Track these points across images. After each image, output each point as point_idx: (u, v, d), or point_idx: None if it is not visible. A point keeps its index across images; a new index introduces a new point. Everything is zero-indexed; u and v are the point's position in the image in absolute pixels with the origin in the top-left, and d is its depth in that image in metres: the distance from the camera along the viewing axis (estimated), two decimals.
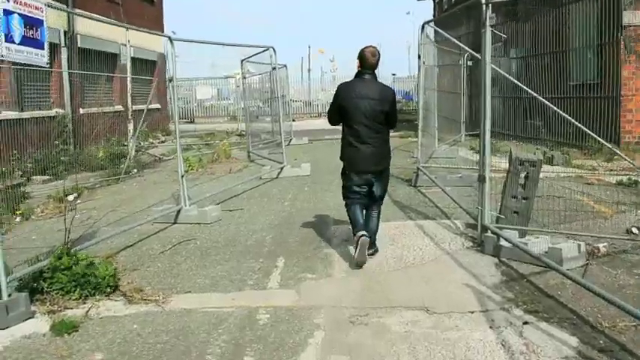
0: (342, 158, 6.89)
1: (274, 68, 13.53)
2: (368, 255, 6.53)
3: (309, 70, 63.57)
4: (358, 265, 6.45)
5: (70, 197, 11.72)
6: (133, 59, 21.67)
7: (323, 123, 34.29)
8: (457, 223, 8.26)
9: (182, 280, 6.33)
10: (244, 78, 17.23)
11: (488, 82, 6.86)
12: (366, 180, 6.69)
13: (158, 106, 25.34)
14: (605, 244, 6.63)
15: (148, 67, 24.61)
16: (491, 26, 6.72)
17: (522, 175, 6.82)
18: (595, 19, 14.75)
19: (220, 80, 40.99)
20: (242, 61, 16.90)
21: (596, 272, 5.94)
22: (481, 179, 6.99)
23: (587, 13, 15.06)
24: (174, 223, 8.98)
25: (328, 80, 52.00)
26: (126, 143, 18.17)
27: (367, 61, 6.64)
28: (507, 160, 7.04)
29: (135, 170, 15.41)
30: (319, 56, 64.91)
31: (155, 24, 25.24)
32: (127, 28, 16.79)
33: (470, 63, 19.91)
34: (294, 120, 35.14)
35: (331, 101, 7.00)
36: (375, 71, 6.81)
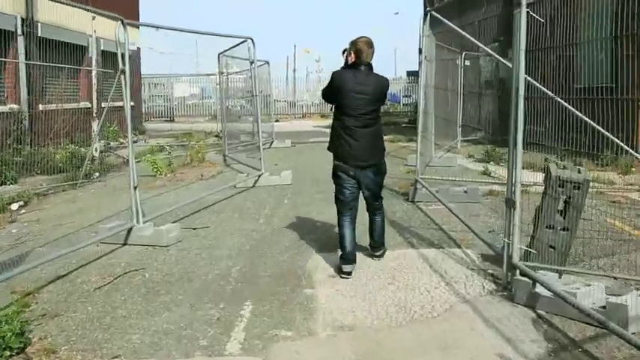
0: (332, 149, 6.33)
1: (252, 62, 11.91)
2: (376, 257, 6.57)
3: (294, 70, 62.05)
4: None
5: (14, 206, 10.09)
6: (104, 52, 20.04)
7: (308, 124, 32.96)
8: (470, 253, 6.68)
9: (113, 335, 4.70)
10: (222, 74, 15.59)
11: (521, 79, 5.32)
12: (360, 175, 6.20)
13: (131, 103, 23.63)
14: None
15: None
16: (528, 5, 5.17)
17: (562, 199, 5.29)
18: (611, 14, 13.24)
19: (204, 78, 39.26)
20: (219, 55, 15.26)
21: None
22: (510, 204, 5.40)
23: (602, 7, 13.54)
24: (124, 244, 7.38)
25: (313, 80, 50.90)
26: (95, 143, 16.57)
27: (363, 53, 6.17)
28: (544, 178, 5.48)
29: (97, 174, 13.77)
30: (305, 56, 63.56)
31: (129, 16, 23.54)
32: (92, 14, 15.30)
33: (467, 62, 18.47)
34: (277, 120, 33.68)
35: (326, 85, 6.42)
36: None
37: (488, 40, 18.72)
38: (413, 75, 35.15)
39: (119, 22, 7.63)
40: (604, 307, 4.50)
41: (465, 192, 9.53)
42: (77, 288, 5.84)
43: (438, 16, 9.15)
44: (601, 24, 13.64)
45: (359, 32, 6.98)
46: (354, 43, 6.19)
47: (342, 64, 6.38)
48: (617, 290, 5.01)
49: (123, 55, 7.70)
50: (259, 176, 11.60)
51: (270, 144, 20.01)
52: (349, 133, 6.10)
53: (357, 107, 6.06)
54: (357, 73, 6.13)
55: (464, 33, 9.25)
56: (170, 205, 9.25)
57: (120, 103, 22.07)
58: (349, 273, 6.04)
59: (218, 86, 21.29)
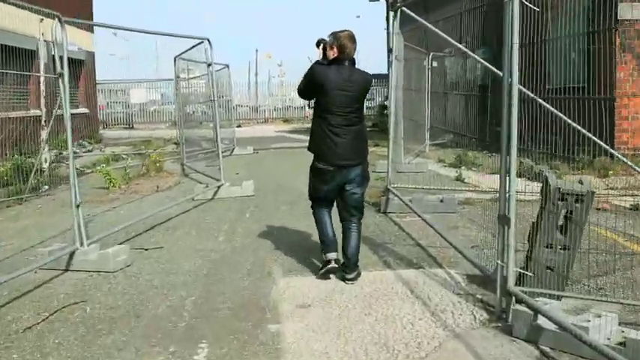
0: (312, 149, 5.98)
1: (210, 65, 11.11)
2: (348, 281, 5.82)
3: (256, 75, 61.32)
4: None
5: None
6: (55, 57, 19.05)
7: (270, 129, 32.23)
8: (454, 274, 5.97)
9: None
10: (178, 78, 14.75)
11: (515, 77, 4.61)
12: (342, 176, 5.83)
13: (85, 110, 22.64)
14: None
15: (74, 66, 21.77)
16: None
17: (562, 214, 4.63)
18: (584, 12, 12.74)
19: (165, 83, 38.12)
20: (175, 58, 14.42)
21: None
22: (503, 221, 4.71)
23: (574, 4, 13.02)
24: (66, 270, 6.55)
25: (276, 85, 50.41)
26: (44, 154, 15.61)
27: (346, 48, 5.78)
28: (541, 190, 4.81)
29: (46, 187, 12.85)
30: (267, 61, 63.01)
31: (83, 16, 22.31)
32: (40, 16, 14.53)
33: (434, 64, 17.89)
34: (239, 126, 32.83)
35: (303, 79, 6.01)
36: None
37: (454, 40, 18.11)
38: (375, 78, 34.55)
39: (56, 20, 6.77)
40: (621, 344, 3.83)
41: (441, 201, 8.87)
42: (5, 328, 5.00)
43: (410, 12, 8.47)
44: (574, 20, 13.13)
45: (320, 35, 6.26)
46: (336, 38, 5.78)
47: (318, 58, 5.91)
48: (626, 317, 4.37)
49: (61, 57, 6.83)
50: (219, 187, 10.80)
51: (232, 151, 19.22)
52: (335, 132, 5.76)
53: (343, 105, 5.74)
54: (341, 69, 5.76)
55: (439, 32, 8.53)
56: (121, 221, 8.41)
57: (73, 111, 21.17)
58: (337, 260, 5.85)
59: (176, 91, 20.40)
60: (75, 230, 6.66)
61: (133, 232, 8.24)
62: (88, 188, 12.70)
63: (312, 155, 5.98)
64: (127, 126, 37.44)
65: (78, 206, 6.77)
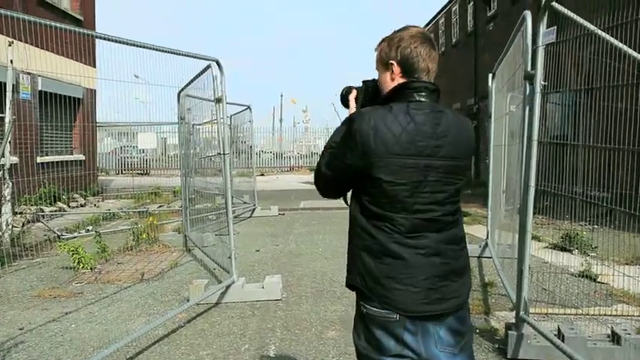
0: (359, 282, 2.46)
1: (219, 101, 7.25)
2: None
3: (280, 120, 58.84)
4: None
5: None
6: (42, 93, 15.73)
7: (295, 179, 28.58)
8: None
9: None
10: (182, 120, 11.11)
11: None
12: (424, 339, 2.39)
13: (81, 157, 19.12)
14: None
15: (67, 105, 18.28)
16: None
17: None
18: None
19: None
20: (179, 94, 10.81)
21: None
22: None
23: None
24: None
25: (300, 131, 48.58)
26: (18, 211, 12.17)
27: (418, 64, 2.51)
28: None
29: None
30: (291, 106, 61.25)
31: (83, 53, 18.83)
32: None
33: (512, 107, 14.08)
34: (262, 174, 29.57)
35: (330, 146, 2.55)
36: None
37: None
38: None
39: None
40: None
41: (615, 341, 5.00)
42: None
43: (566, 10, 4.66)
44: None
45: (347, 82, 3.01)
46: (394, 43, 2.54)
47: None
48: None
49: None
50: (227, 287, 6.99)
51: (252, 212, 15.50)
52: (406, 244, 2.38)
53: (422, 190, 2.42)
54: (414, 112, 2.42)
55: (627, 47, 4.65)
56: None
57: (60, 158, 17.63)
58: None
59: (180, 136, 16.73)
60: None
61: None
62: (52, 268, 9.09)
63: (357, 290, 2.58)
64: (142, 172, 34.05)
65: None
